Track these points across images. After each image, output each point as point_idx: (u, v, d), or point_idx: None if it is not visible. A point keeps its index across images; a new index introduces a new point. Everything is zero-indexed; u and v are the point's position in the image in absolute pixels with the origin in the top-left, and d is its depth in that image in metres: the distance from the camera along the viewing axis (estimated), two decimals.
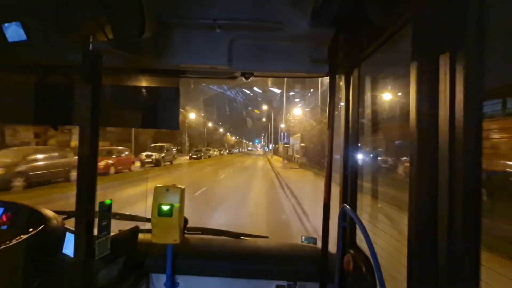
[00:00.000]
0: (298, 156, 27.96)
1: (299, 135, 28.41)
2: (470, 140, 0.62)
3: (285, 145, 30.78)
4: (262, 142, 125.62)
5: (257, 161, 36.87)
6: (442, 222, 0.67)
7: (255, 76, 1.57)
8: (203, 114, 60.77)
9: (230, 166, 24.80)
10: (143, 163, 20.09)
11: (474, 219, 0.62)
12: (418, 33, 0.76)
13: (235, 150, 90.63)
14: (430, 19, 0.72)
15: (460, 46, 0.64)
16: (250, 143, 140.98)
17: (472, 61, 0.63)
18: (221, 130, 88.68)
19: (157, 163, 20.65)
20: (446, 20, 0.68)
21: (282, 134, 22.77)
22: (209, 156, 39.34)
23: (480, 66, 0.63)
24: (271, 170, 21.28)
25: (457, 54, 0.65)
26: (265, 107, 64.79)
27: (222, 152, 56.23)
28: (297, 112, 30.53)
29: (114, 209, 1.24)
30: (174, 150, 25.83)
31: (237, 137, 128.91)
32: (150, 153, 21.37)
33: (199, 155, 34.71)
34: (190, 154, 34.95)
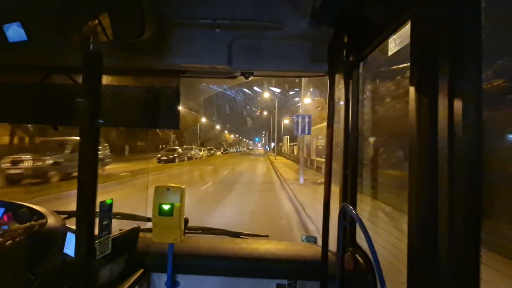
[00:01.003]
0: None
1: (325, 124, 16.44)
2: (470, 138, 0.62)
3: (292, 143, 29.04)
4: (263, 141, 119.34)
5: (255, 165, 25.35)
6: (442, 220, 0.67)
7: (255, 76, 1.57)
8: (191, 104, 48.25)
9: (206, 178, 14.52)
10: (9, 177, 10.05)
11: (474, 217, 0.62)
12: (417, 32, 0.76)
13: (231, 150, 77.08)
14: (429, 18, 0.72)
15: (459, 44, 0.65)
16: (251, 142, 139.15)
17: (471, 59, 0.63)
18: (218, 127, 79.83)
19: (37, 175, 10.39)
20: (445, 19, 0.68)
21: (298, 119, 12.28)
22: (190, 158, 28.65)
23: (479, 64, 0.63)
24: (280, 191, 10.70)
25: (456, 52, 0.65)
26: (267, 94, 55.46)
27: (212, 152, 44.55)
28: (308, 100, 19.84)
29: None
30: (106, 150, 13.77)
31: (236, 136, 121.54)
32: (25, 157, 10.40)
33: (171, 156, 24.36)
34: (159, 156, 24.29)
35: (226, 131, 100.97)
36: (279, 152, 49.49)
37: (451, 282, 0.65)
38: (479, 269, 0.62)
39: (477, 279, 0.62)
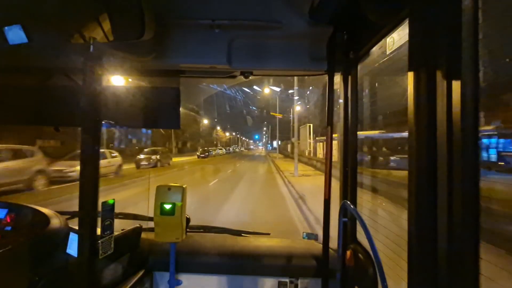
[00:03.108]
0: None
1: None
2: (468, 136, 0.63)
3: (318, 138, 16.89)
4: (264, 139, 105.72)
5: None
6: (441, 217, 0.68)
7: (254, 75, 1.58)
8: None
9: None
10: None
11: (473, 214, 0.63)
12: (415, 30, 0.77)
13: (219, 151, 50.55)
14: (427, 16, 0.73)
15: (457, 42, 0.65)
16: (251, 141, 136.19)
17: (469, 58, 0.64)
18: (206, 121, 60.83)
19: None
20: (442, 17, 0.68)
21: None
22: None
23: (477, 61, 0.63)
24: None
25: (453, 50, 0.66)
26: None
27: (154, 160, 19.94)
28: None
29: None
30: None
31: (233, 134, 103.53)
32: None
33: None
34: None
35: (218, 128, 79.61)
36: (287, 152, 33.71)
37: (451, 277, 0.66)
38: (478, 264, 0.63)
39: (477, 274, 0.63)
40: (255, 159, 38.05)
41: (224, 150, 57.36)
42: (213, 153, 42.90)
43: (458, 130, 0.64)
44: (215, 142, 66.91)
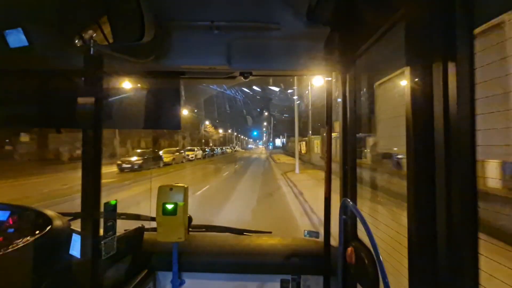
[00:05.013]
0: None
1: None
2: (465, 134, 0.64)
3: None
4: (265, 137, 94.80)
5: None
6: (441, 215, 0.68)
7: (254, 75, 1.59)
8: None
9: None
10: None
11: (471, 211, 0.64)
12: (411, 30, 0.77)
13: (186, 153, 28.70)
14: (423, 16, 0.74)
15: (452, 42, 0.66)
16: (251, 139, 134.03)
17: (464, 57, 0.65)
18: (185, 112, 39.27)
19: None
20: (438, 17, 0.69)
21: None
22: None
23: (472, 61, 0.64)
24: None
25: (449, 50, 0.66)
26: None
27: None
28: None
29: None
30: None
31: (229, 131, 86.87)
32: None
33: None
34: None
35: (207, 122, 61.50)
36: (302, 154, 20.08)
37: (451, 274, 0.67)
38: (478, 260, 0.64)
39: (477, 270, 0.64)
40: (247, 172, 18.41)
41: (200, 151, 34.21)
42: (166, 160, 22.45)
43: (455, 129, 0.65)
44: (203, 140, 52.63)
